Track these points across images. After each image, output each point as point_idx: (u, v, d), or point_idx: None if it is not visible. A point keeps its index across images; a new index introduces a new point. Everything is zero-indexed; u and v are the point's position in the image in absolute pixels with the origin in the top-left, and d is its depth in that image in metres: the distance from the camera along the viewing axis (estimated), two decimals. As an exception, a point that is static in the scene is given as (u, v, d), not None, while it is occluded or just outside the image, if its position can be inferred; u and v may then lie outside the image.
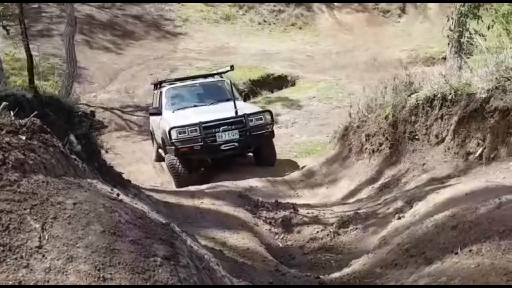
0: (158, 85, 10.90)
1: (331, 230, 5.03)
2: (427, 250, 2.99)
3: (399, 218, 4.59)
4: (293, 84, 14.87)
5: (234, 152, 8.85)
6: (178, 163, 8.49)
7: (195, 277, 2.10)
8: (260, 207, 5.80)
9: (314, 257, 4.54)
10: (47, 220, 1.84)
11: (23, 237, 1.73)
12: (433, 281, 2.32)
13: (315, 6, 21.89)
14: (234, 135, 8.60)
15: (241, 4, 21.92)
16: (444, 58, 17.16)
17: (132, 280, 1.78)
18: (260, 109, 9.95)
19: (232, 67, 10.07)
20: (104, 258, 1.79)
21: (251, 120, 8.78)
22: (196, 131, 8.49)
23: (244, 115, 8.73)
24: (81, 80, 14.73)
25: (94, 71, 16.20)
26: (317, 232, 5.10)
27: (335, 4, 22.27)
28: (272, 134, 9.14)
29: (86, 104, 12.03)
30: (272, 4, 21.60)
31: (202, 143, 8.47)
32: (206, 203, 5.63)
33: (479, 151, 5.38)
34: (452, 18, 9.13)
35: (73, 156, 2.87)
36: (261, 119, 8.97)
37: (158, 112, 9.66)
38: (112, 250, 1.85)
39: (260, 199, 6.18)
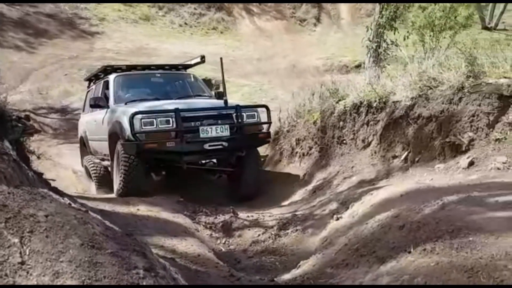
0: (99, 74, 8.41)
1: (272, 232, 5.13)
2: (377, 249, 3.17)
3: (337, 219, 4.81)
4: (217, 88, 14.90)
5: (220, 154, 6.75)
6: (136, 164, 6.26)
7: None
8: (198, 212, 5.78)
9: (259, 260, 4.61)
10: (24, 234, 1.73)
11: (3, 253, 1.61)
12: (395, 280, 2.47)
13: (236, 11, 22.18)
14: (223, 130, 6.45)
15: (161, 5, 21.67)
16: (357, 67, 18.23)
17: (121, 294, 1.72)
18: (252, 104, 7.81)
19: (203, 58, 7.84)
20: (89, 273, 1.72)
21: (243, 116, 6.73)
22: (170, 123, 6.24)
23: (236, 107, 6.67)
24: (-10, 81, 13.73)
25: (4, 71, 15.18)
26: (259, 235, 5.17)
27: (255, 10, 22.72)
28: (268, 136, 7.15)
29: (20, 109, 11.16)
30: (193, 7, 21.56)
31: (177, 139, 6.23)
32: (143, 210, 5.48)
33: (404, 154, 5.77)
34: (371, 29, 9.68)
35: (23, 165, 2.69)
36: (253, 116, 6.91)
37: (102, 104, 7.24)
38: (95, 263, 1.77)
39: (197, 205, 6.15)
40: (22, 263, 1.62)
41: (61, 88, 15.86)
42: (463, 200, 3.13)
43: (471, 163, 4.65)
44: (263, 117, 7.16)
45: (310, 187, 6.67)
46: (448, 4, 7.86)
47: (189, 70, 8.75)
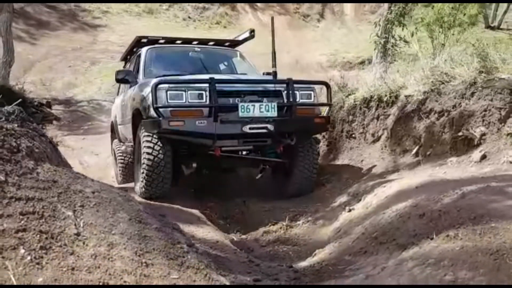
0: (133, 49, 7.28)
1: (284, 223, 5.19)
2: (397, 237, 3.23)
3: (350, 210, 4.87)
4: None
5: (263, 140, 5.48)
6: (159, 150, 5.14)
7: (212, 264, 2.14)
8: (210, 203, 5.83)
9: (272, 249, 4.66)
10: (76, 208, 1.79)
11: (60, 224, 1.67)
12: (421, 264, 2.53)
13: (239, 6, 22.21)
14: (269, 110, 5.19)
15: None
16: (361, 63, 18.28)
17: (170, 265, 1.79)
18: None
19: (252, 33, 6.76)
20: (140, 245, 1.78)
21: (296, 94, 5.44)
22: (202, 97, 5.10)
23: (288, 82, 5.39)
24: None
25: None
26: (270, 225, 5.24)
27: (258, 5, 22.75)
28: (327, 122, 5.88)
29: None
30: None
31: (210, 118, 5.05)
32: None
33: (416, 148, 5.84)
34: (380, 25, 9.74)
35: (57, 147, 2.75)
36: (309, 96, 5.64)
37: (130, 80, 6.23)
38: (144, 237, 1.84)
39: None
40: (78, 234, 1.68)
41: (65, 79, 15.92)
42: (482, 189, 3.20)
43: (483, 157, 4.72)
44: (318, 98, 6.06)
45: (319, 179, 6.72)
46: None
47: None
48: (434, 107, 5.66)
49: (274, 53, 5.71)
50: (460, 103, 5.36)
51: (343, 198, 5.43)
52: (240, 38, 7.18)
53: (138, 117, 5.65)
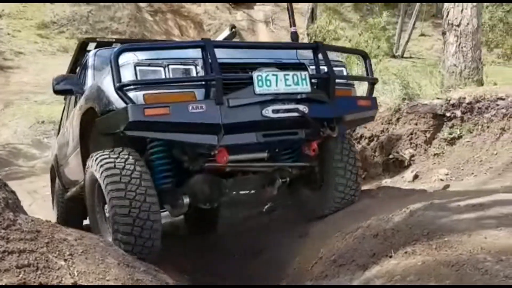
0: (78, 60, 5.43)
1: (236, 256, 5.21)
2: (356, 258, 3.38)
3: (300, 236, 5.00)
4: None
5: (294, 132, 3.61)
6: (132, 173, 3.17)
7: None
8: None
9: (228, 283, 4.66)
10: (66, 257, 1.74)
11: (56, 275, 1.62)
12: (388, 281, 2.68)
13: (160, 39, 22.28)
14: (298, 81, 3.39)
15: (79, 36, 21.35)
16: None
17: (167, 307, 1.78)
18: None
19: (233, 29, 5.12)
20: (135, 289, 1.76)
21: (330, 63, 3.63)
22: (192, 71, 3.31)
23: (317, 45, 3.64)
24: None
25: None
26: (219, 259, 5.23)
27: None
28: (375, 105, 4.11)
29: None
30: (114, 37, 21.43)
31: (210, 100, 3.21)
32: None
33: (351, 173, 6.16)
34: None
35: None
36: (341, 72, 3.91)
37: (75, 89, 4.51)
38: (136, 280, 1.82)
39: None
40: (75, 283, 1.63)
41: (-22, 125, 15.00)
42: (428, 206, 3.46)
43: (415, 177, 5.12)
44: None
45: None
46: (371, 35, 8.63)
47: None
48: (364, 133, 6.04)
49: (290, 7, 4.30)
50: (387, 128, 5.78)
51: (290, 225, 5.55)
52: (220, 37, 5.48)
53: (90, 121, 3.75)
